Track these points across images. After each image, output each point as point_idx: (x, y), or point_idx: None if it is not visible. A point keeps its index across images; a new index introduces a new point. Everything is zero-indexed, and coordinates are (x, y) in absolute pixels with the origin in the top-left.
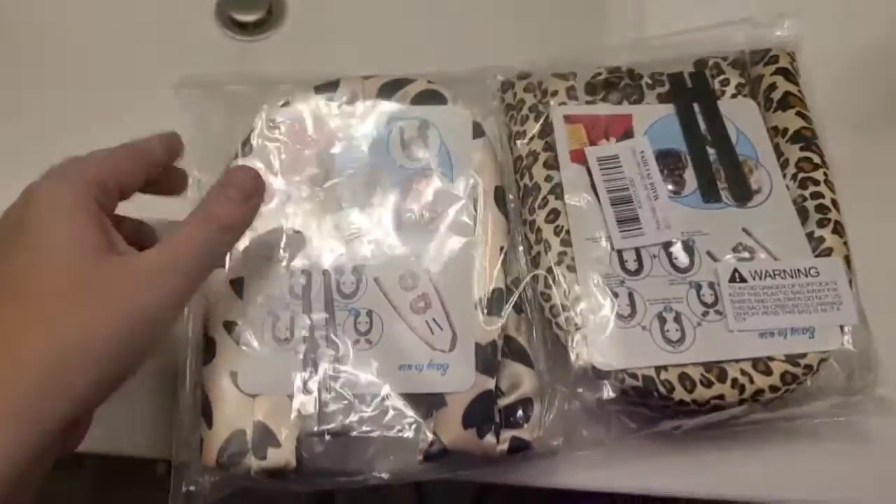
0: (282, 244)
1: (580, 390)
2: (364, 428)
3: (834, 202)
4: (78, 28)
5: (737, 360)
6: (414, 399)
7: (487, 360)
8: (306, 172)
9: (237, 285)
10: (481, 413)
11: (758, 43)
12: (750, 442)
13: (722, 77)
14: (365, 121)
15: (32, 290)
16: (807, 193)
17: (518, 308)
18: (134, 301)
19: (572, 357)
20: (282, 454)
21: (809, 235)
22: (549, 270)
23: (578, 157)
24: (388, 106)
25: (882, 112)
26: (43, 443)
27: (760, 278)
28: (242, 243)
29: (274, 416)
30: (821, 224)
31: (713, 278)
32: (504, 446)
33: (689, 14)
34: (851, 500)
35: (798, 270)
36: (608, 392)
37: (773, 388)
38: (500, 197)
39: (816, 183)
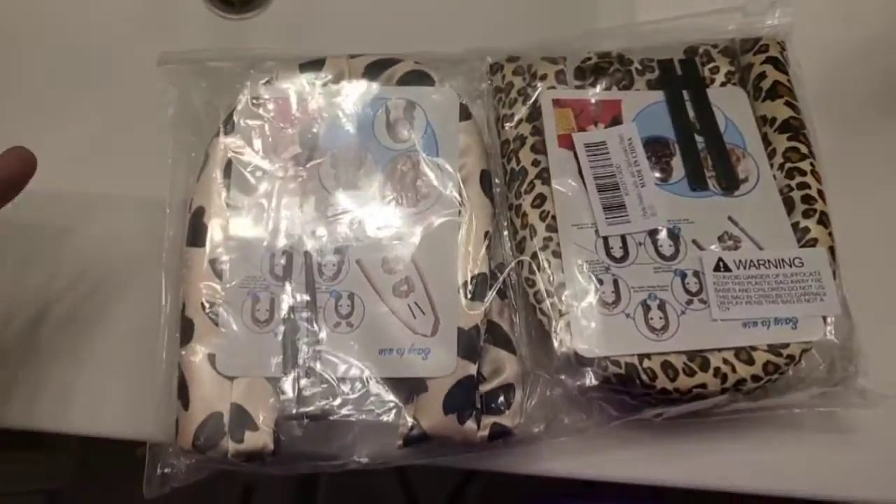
0: (263, 224)
1: (562, 377)
2: (343, 412)
3: (820, 193)
4: (64, 3)
5: (720, 350)
6: (394, 383)
7: (469, 345)
8: (289, 151)
9: (217, 266)
10: (462, 398)
11: (748, 31)
12: (731, 431)
13: (712, 65)
14: (350, 100)
15: None
16: (793, 183)
17: (502, 293)
18: None
19: (555, 343)
20: (259, 437)
21: (795, 226)
22: (534, 256)
23: (566, 143)
24: (373, 86)
25: (870, 103)
26: None
27: (745, 268)
28: (224, 223)
29: (252, 399)
30: (806, 214)
31: (698, 267)
32: (485, 432)
33: (680, 0)
34: (831, 490)
35: (782, 260)
36: (590, 379)
37: (756, 378)
38: (485, 181)
39: (803, 173)
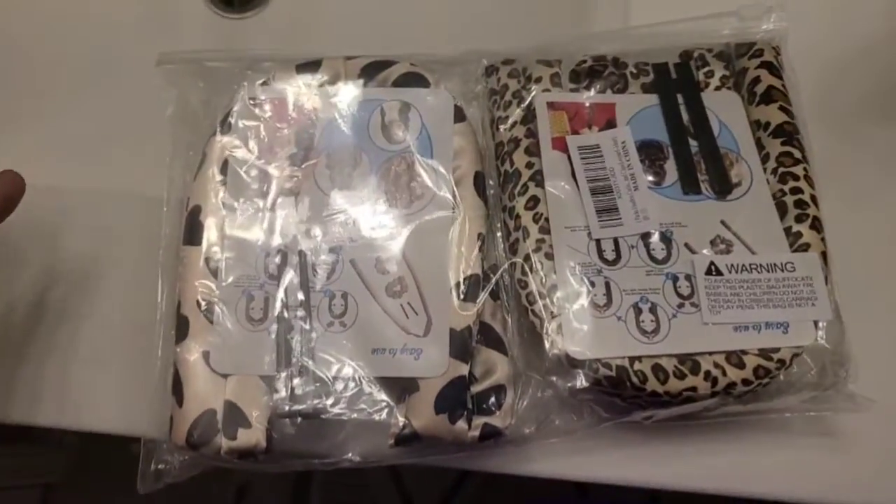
0: (258, 224)
1: (553, 379)
2: (335, 410)
3: (813, 198)
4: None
5: (710, 353)
6: (387, 383)
7: (461, 345)
8: (285, 152)
9: (212, 264)
10: (453, 399)
11: (743, 36)
12: (721, 434)
13: (707, 69)
14: (346, 101)
15: None
16: (786, 188)
17: (494, 295)
18: None
19: (547, 345)
20: (252, 435)
21: (787, 230)
22: (527, 258)
23: (560, 145)
24: (369, 87)
25: (864, 109)
26: None
27: (737, 272)
28: (220, 222)
29: (245, 397)
30: (799, 219)
31: (690, 270)
32: (475, 433)
33: (676, 4)
34: (820, 494)
35: (774, 265)
36: (581, 381)
37: (746, 382)
38: (479, 182)
39: (796, 178)
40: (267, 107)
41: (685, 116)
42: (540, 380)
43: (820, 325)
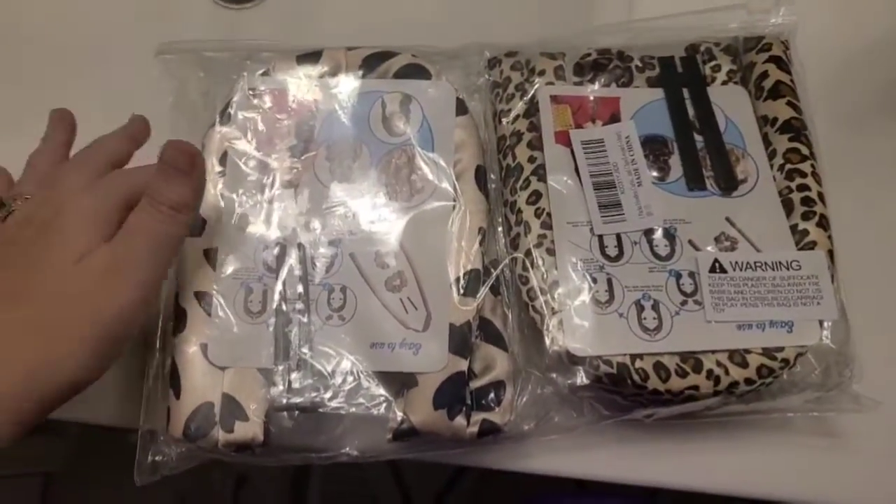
0: (257, 216)
1: (554, 375)
2: (333, 404)
3: (820, 195)
4: None
5: (713, 352)
6: (385, 377)
7: (461, 341)
8: (285, 143)
9: (211, 256)
10: (452, 394)
11: (752, 30)
12: (722, 434)
13: (713, 63)
14: (346, 93)
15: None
16: (793, 185)
17: (495, 290)
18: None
19: (547, 342)
20: (249, 428)
21: (793, 228)
22: (528, 253)
23: (563, 139)
24: (370, 79)
25: (873, 105)
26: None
27: (741, 269)
28: (218, 214)
29: (243, 390)
30: (806, 217)
31: (693, 267)
32: (474, 429)
33: None
34: (821, 494)
35: (780, 263)
36: (582, 378)
37: (749, 381)
38: (480, 176)
39: (803, 175)
40: (267, 98)
41: (691, 111)
42: (540, 376)
43: (825, 324)
